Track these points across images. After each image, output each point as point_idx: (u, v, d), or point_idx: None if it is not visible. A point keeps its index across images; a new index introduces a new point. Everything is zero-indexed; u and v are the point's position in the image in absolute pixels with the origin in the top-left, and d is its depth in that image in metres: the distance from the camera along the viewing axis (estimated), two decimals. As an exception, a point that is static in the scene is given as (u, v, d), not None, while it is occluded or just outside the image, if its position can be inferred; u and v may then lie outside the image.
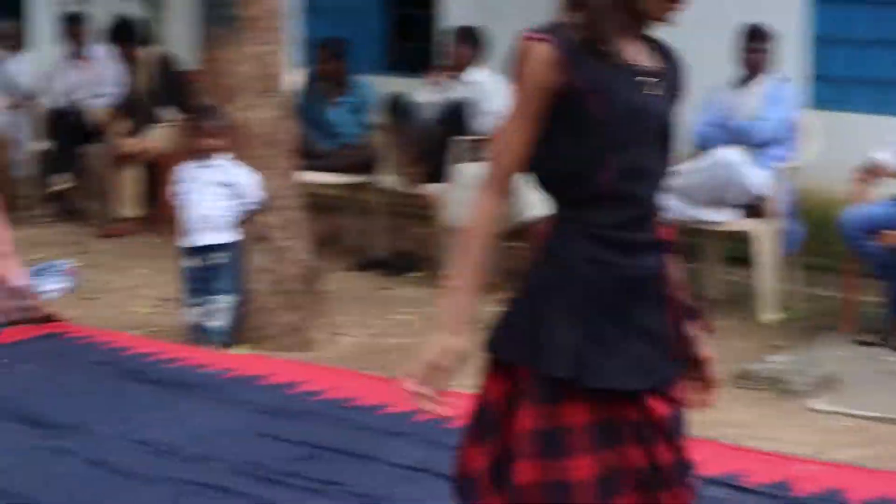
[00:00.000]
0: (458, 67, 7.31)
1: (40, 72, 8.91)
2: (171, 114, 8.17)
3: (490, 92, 7.08)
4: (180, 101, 7.86)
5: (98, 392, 5.02)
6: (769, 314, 6.23)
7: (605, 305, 2.26)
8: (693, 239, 6.66)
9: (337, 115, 7.60)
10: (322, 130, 7.62)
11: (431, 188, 7.01)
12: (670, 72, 2.39)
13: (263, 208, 5.48)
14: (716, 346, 5.80)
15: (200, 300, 5.47)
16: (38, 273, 5.90)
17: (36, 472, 4.17)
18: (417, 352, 2.27)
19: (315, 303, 5.71)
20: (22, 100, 8.71)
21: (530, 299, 2.30)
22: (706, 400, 2.46)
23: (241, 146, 5.45)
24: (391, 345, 5.83)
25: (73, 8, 9.06)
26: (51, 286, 5.93)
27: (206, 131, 5.39)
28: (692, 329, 2.42)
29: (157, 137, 8.05)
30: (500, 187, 2.31)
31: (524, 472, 2.24)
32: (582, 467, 2.23)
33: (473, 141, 6.95)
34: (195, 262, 5.47)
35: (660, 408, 2.31)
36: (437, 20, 8.57)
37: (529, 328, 2.27)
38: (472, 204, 2.31)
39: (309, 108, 7.62)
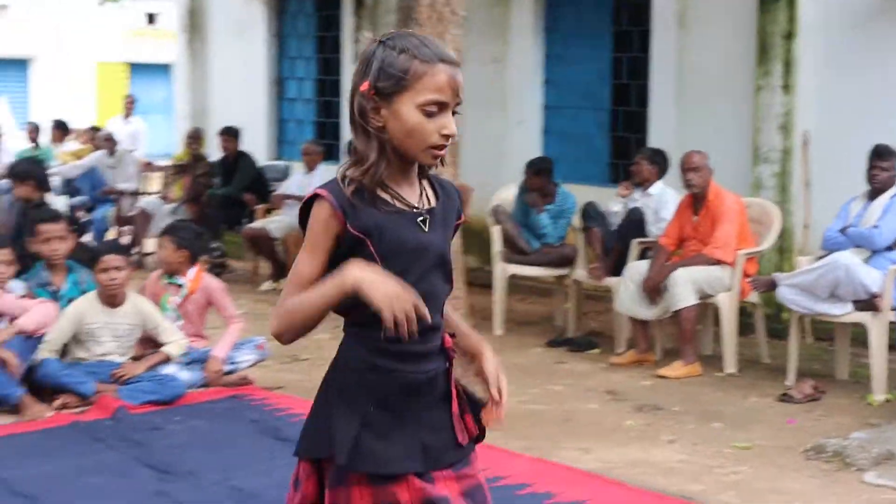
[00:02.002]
0: (644, 181, 8.16)
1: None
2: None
3: (665, 203, 7.90)
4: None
5: (234, 445, 5.49)
6: (877, 395, 6.55)
7: (385, 404, 2.44)
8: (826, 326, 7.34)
9: (542, 219, 8.53)
10: (530, 232, 8.58)
11: (612, 281, 7.83)
12: (445, 206, 2.55)
13: None
14: (819, 421, 6.31)
15: None
16: (236, 346, 6.60)
17: None
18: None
19: (469, 374, 6.58)
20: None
21: (324, 402, 2.50)
22: (496, 419, 2.61)
23: None
24: (528, 411, 6.31)
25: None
26: (244, 357, 6.62)
27: None
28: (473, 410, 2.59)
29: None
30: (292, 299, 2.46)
31: None
32: None
33: (645, 243, 7.84)
34: None
35: (447, 487, 2.47)
36: (647, 143, 9.38)
37: (323, 426, 2.45)
38: (284, 308, 2.44)
39: (520, 213, 8.65)
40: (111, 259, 6.16)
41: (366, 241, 2.40)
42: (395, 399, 2.46)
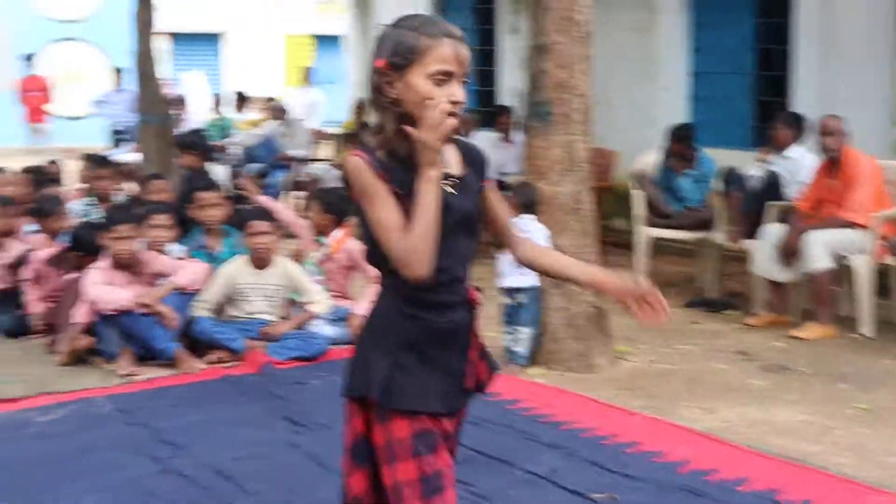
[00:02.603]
0: (782, 145, 8.07)
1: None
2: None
3: (803, 166, 7.80)
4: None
5: None
6: None
7: (413, 347, 2.65)
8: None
9: (683, 183, 8.59)
10: (672, 196, 8.65)
11: (749, 243, 7.82)
12: (470, 169, 2.74)
13: None
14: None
15: (510, 329, 6.31)
16: None
17: (265, 461, 4.71)
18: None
19: (600, 335, 6.45)
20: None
21: (361, 346, 2.73)
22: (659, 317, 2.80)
23: (547, 213, 6.34)
24: (661, 370, 6.38)
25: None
26: None
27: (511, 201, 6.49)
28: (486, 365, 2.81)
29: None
30: (402, 236, 2.57)
31: (384, 476, 2.67)
32: (407, 470, 2.63)
33: (782, 207, 7.79)
34: (507, 299, 6.33)
35: (449, 426, 2.72)
36: (790, 107, 9.28)
37: (362, 367, 2.69)
38: (406, 245, 2.54)
39: (662, 177, 8.71)
40: (258, 224, 6.48)
41: (398, 198, 2.58)
42: (422, 344, 2.66)
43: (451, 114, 2.57)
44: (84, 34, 22.26)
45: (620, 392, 5.99)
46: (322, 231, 6.93)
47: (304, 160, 12.72)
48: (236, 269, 6.60)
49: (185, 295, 6.33)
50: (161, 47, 28.19)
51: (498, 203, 2.88)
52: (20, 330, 6.87)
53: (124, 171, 9.20)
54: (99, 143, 17.22)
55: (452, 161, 2.71)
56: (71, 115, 21.35)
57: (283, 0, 27.12)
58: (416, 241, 2.55)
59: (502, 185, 9.81)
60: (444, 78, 2.58)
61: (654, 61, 10.65)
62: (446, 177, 2.65)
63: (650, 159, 9.06)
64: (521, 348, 6.33)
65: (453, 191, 2.65)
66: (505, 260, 6.35)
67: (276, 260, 6.66)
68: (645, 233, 8.66)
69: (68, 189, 9.10)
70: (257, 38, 28.41)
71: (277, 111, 13.09)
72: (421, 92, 2.58)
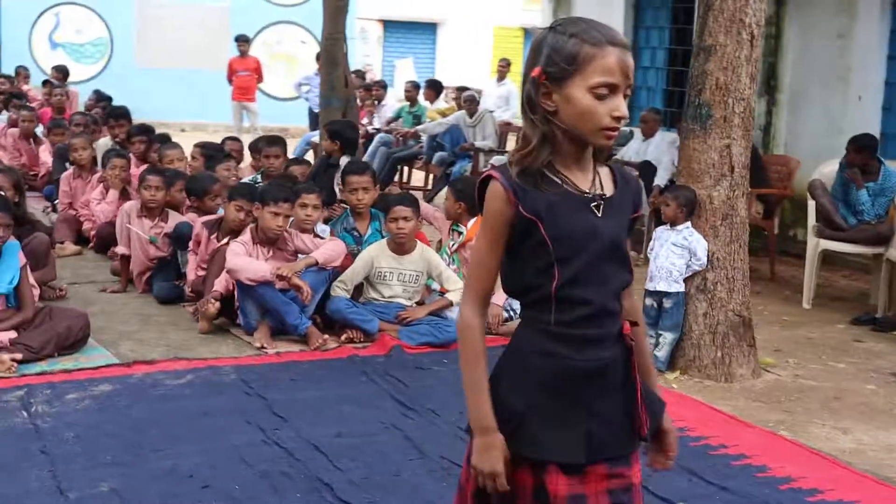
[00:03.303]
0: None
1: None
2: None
3: None
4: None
5: None
6: None
7: (553, 390, 2.41)
8: None
9: (861, 196, 8.16)
10: (848, 208, 8.26)
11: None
12: (622, 194, 2.50)
13: (707, 267, 6.12)
14: None
15: (652, 333, 6.16)
16: None
17: (364, 440, 4.76)
18: (475, 466, 2.43)
19: (743, 344, 6.25)
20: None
21: (496, 382, 2.46)
22: (665, 465, 2.63)
23: (700, 217, 6.22)
24: (805, 385, 6.14)
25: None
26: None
27: (662, 201, 6.47)
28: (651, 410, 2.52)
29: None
30: (482, 301, 2.49)
31: None
32: None
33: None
34: (652, 301, 6.27)
35: (594, 484, 2.43)
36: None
37: (493, 405, 2.44)
38: (462, 324, 2.48)
39: (840, 189, 8.33)
40: (401, 210, 6.53)
41: (537, 224, 2.38)
42: (563, 385, 2.42)
43: (613, 129, 2.38)
44: (298, 18, 22.96)
45: (755, 404, 5.81)
46: (457, 219, 6.93)
47: (489, 151, 12.77)
48: (377, 252, 6.68)
49: (323, 273, 6.43)
50: (374, 34, 29.01)
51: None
52: (175, 297, 7.15)
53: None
54: (303, 123, 17.79)
55: (605, 181, 2.50)
56: (279, 96, 22.09)
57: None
58: (465, 356, 2.48)
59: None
60: (606, 91, 2.36)
61: (848, 69, 10.21)
62: (595, 197, 2.44)
63: (829, 169, 8.70)
64: (662, 353, 6.25)
65: (599, 213, 2.43)
66: (655, 263, 6.30)
67: (417, 246, 6.71)
68: (817, 244, 8.33)
69: (244, 166, 9.41)
70: (469, 28, 28.68)
71: (467, 101, 13.18)
72: (581, 106, 2.36)
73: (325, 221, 7.08)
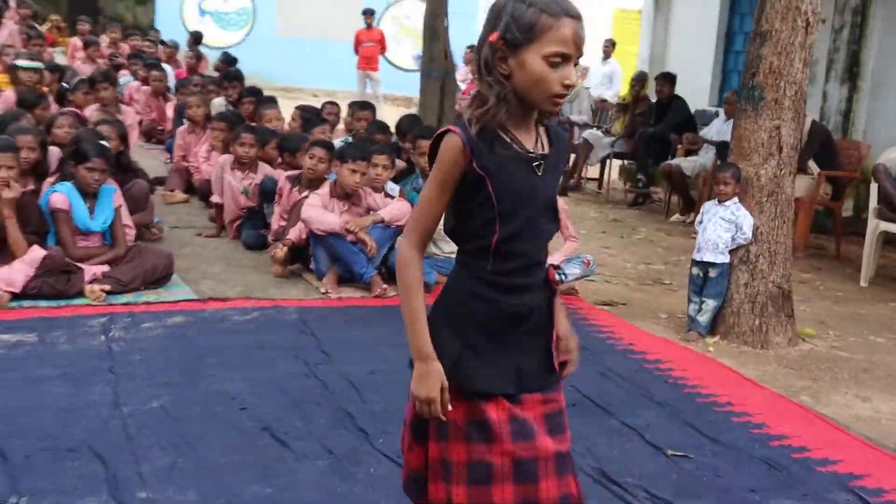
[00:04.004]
0: None
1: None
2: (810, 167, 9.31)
3: None
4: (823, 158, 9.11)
5: None
6: None
7: (486, 330, 2.48)
8: None
9: (920, 179, 8.04)
10: (907, 192, 8.18)
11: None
12: (557, 152, 2.55)
13: (751, 241, 6.18)
14: None
15: (696, 299, 6.29)
16: (567, 260, 6.74)
17: (395, 377, 4.79)
18: (414, 387, 2.46)
19: (781, 314, 6.29)
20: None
21: (433, 322, 2.49)
22: (567, 369, 2.66)
23: (747, 193, 6.26)
24: (838, 356, 6.14)
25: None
26: (572, 271, 6.72)
27: (721, 180, 6.42)
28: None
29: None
30: (422, 239, 2.51)
31: (430, 452, 2.54)
32: (459, 452, 2.48)
33: None
34: (698, 271, 6.31)
35: (532, 409, 2.50)
36: None
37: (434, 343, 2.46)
38: (402, 257, 2.52)
39: (902, 173, 8.21)
40: (461, 172, 6.65)
41: (486, 180, 2.41)
42: (496, 326, 2.48)
43: (560, 96, 2.41)
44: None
45: (785, 370, 5.83)
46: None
47: (583, 125, 12.80)
48: (438, 211, 6.80)
49: (389, 229, 6.62)
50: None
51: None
52: (260, 244, 7.44)
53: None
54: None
55: (543, 140, 2.53)
56: (405, 67, 22.34)
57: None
58: (405, 285, 2.50)
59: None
60: (559, 60, 2.37)
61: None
62: (536, 157, 2.48)
63: (895, 155, 8.56)
64: (704, 318, 6.32)
65: (539, 173, 2.48)
66: (703, 236, 6.34)
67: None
68: (877, 225, 8.22)
69: (340, 128, 9.67)
70: (591, 10, 28.44)
71: (566, 78, 13.19)
72: (535, 73, 2.38)
73: (395, 181, 7.26)
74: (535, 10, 2.37)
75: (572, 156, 12.24)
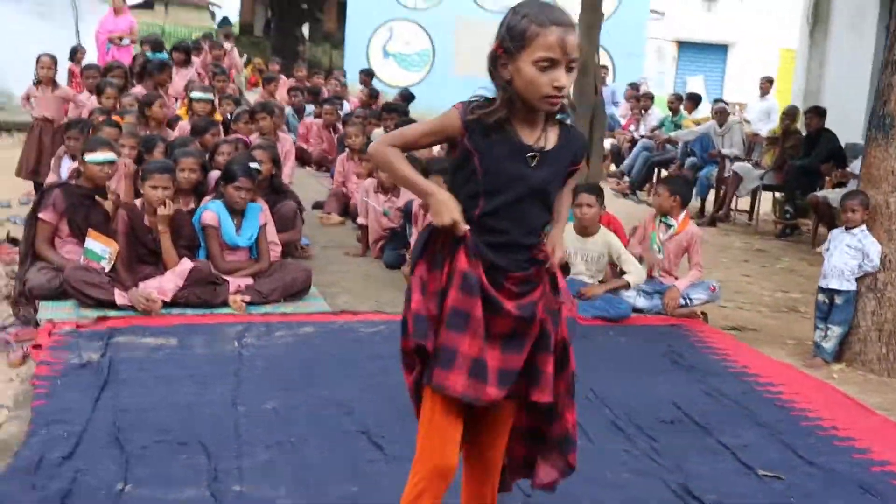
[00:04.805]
0: None
1: None
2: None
3: None
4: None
5: (623, 360, 5.57)
6: None
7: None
8: None
9: None
10: None
11: None
12: (562, 149, 2.67)
13: (879, 268, 5.85)
14: None
15: (822, 326, 5.99)
16: (693, 286, 6.59)
17: None
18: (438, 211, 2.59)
19: None
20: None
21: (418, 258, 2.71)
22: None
23: (876, 221, 5.91)
24: None
25: None
26: (697, 296, 6.59)
27: (849, 207, 6.18)
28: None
29: None
30: (397, 146, 2.71)
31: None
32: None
33: None
34: (824, 298, 6.00)
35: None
36: None
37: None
38: (379, 148, 2.72)
39: None
40: (585, 197, 6.49)
41: (473, 155, 2.61)
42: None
43: (553, 97, 2.54)
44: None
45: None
46: (667, 213, 6.79)
47: (735, 158, 12.39)
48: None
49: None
50: (669, 53, 28.56)
51: (566, 190, 2.85)
52: (399, 263, 7.43)
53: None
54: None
55: (549, 137, 2.66)
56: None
57: (782, 15, 26.21)
58: (393, 166, 2.70)
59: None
60: (547, 64, 2.52)
61: None
62: (530, 149, 2.62)
63: None
64: (829, 345, 6.04)
65: (532, 164, 2.62)
66: (829, 262, 6.07)
67: (600, 230, 6.67)
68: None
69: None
70: (758, 50, 27.74)
71: (717, 112, 12.83)
72: (527, 76, 2.54)
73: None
74: (526, 21, 2.54)
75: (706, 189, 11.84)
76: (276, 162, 7.45)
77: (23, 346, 5.26)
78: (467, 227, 2.60)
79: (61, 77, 12.05)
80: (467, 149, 2.62)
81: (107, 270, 5.97)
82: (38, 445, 3.91)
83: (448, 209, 2.58)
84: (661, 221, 6.87)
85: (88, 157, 6.28)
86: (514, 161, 2.61)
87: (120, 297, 5.83)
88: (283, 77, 16.19)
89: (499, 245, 2.64)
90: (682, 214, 6.85)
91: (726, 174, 12.07)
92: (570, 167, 2.74)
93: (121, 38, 14.31)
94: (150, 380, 4.76)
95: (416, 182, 2.66)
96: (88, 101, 9.79)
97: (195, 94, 9.31)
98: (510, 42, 2.56)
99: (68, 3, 18.41)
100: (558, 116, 2.70)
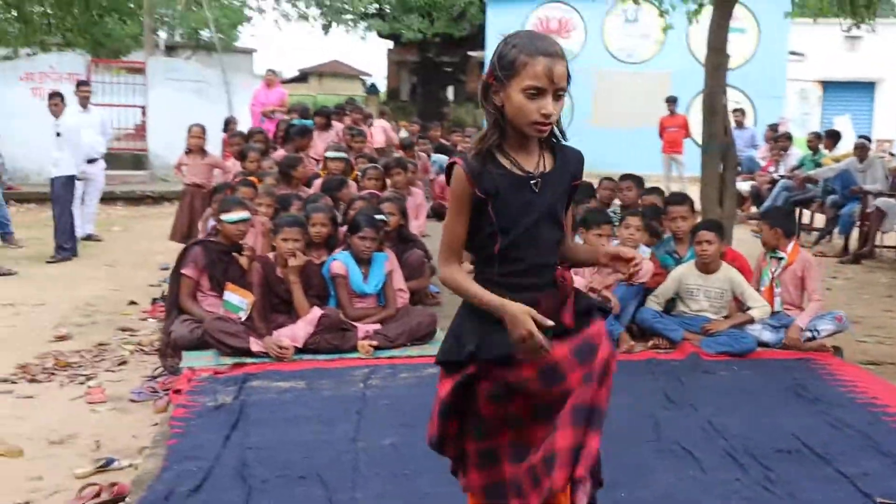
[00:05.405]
0: None
1: None
2: None
3: None
4: None
5: (752, 392, 5.41)
6: None
7: (494, 320, 2.63)
8: None
9: None
10: None
11: None
12: (560, 170, 2.74)
13: None
14: None
15: None
16: (818, 317, 6.42)
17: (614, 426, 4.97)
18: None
19: None
20: None
21: (457, 322, 2.79)
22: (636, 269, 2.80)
23: None
24: None
25: None
26: (824, 327, 6.41)
27: None
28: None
29: None
30: (454, 256, 2.75)
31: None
32: (489, 410, 2.78)
33: None
34: None
35: (559, 349, 2.65)
36: None
37: (456, 338, 2.75)
38: (445, 274, 2.76)
39: None
40: (705, 234, 6.42)
41: (486, 202, 2.66)
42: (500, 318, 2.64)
43: (541, 124, 2.60)
44: (734, 81, 22.56)
45: None
46: (774, 247, 6.67)
47: (878, 194, 11.99)
48: (686, 271, 6.62)
49: (633, 287, 6.46)
50: (814, 94, 27.87)
51: (568, 212, 2.86)
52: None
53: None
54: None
55: (546, 160, 2.73)
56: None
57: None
58: (462, 289, 2.71)
59: None
60: (535, 93, 2.58)
61: None
62: (531, 176, 2.68)
63: None
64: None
65: (536, 189, 2.69)
66: None
67: (721, 266, 6.56)
68: None
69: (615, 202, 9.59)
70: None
71: (859, 149, 12.47)
72: (516, 104, 2.61)
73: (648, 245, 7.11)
74: (515, 51, 2.61)
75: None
76: (404, 213, 7.63)
77: (167, 394, 5.52)
78: (550, 322, 2.59)
79: (215, 147, 12.66)
80: (480, 198, 2.67)
81: (243, 320, 6.22)
82: (170, 480, 4.09)
83: (523, 323, 2.57)
84: (771, 257, 6.74)
85: (224, 216, 6.58)
86: (520, 191, 2.68)
87: (255, 344, 6.05)
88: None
89: (522, 272, 2.70)
90: (791, 245, 6.73)
91: (869, 210, 11.70)
92: (572, 183, 2.81)
93: (273, 112, 14.91)
94: (278, 420, 4.92)
95: (490, 302, 2.65)
96: (234, 166, 10.20)
97: (329, 154, 9.65)
98: (500, 71, 2.63)
99: (221, 81, 19.36)
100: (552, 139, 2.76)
